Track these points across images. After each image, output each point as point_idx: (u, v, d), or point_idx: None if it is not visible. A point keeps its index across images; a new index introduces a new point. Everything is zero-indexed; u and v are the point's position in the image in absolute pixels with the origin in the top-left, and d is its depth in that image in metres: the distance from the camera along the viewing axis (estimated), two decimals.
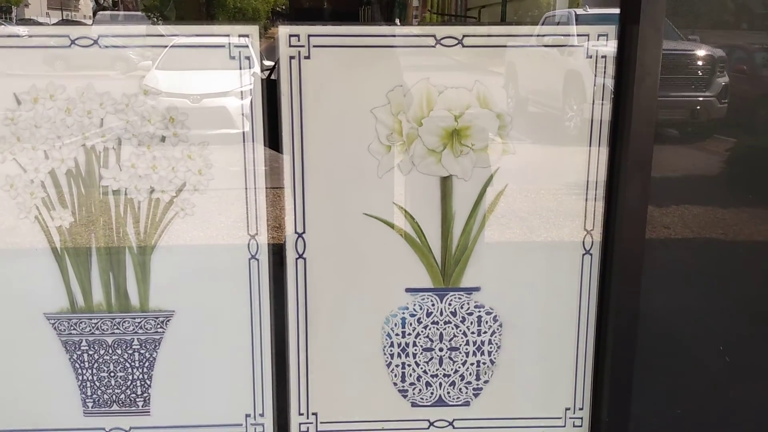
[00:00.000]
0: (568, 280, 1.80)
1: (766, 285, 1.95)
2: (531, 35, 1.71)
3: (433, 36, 1.67)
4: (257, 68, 1.67)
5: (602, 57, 1.68)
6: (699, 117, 2.01)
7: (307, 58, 1.66)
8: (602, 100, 1.71)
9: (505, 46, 1.70)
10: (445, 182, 1.75)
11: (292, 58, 1.66)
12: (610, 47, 1.67)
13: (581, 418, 1.89)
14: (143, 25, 1.73)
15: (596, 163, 1.74)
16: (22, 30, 1.72)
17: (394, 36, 1.70)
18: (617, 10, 1.66)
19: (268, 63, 1.79)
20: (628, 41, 1.63)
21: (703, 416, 1.98)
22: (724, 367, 1.97)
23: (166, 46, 1.68)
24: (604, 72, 1.69)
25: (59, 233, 1.73)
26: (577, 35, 1.68)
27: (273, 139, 1.72)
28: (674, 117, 1.90)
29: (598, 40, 1.67)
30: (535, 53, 1.73)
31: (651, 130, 1.64)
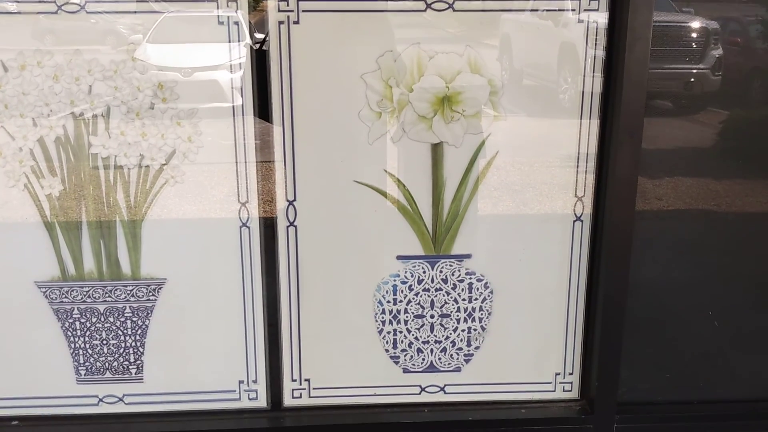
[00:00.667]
0: (559, 246, 1.81)
1: (757, 255, 1.96)
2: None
3: (424, 0, 1.65)
4: (247, 37, 1.66)
5: (594, 24, 1.67)
6: (693, 89, 2.00)
7: (296, 23, 1.64)
8: (593, 70, 1.70)
9: (496, 10, 1.69)
10: (436, 149, 1.75)
11: (281, 23, 1.64)
12: (601, 15, 1.66)
13: (571, 383, 1.92)
14: None
15: (587, 134, 1.74)
16: (9, 4, 1.69)
17: (384, 0, 1.68)
18: None
19: (260, 36, 1.76)
20: (619, 6, 1.62)
21: (690, 381, 2.00)
22: (712, 334, 1.99)
23: (154, 12, 1.66)
24: (596, 42, 1.68)
25: (49, 201, 1.72)
26: (570, 0, 1.67)
27: (264, 111, 1.71)
28: (668, 89, 1.90)
29: (589, 4, 1.66)
30: (525, 22, 1.71)
31: (642, 96, 1.64)
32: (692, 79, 1.97)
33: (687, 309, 1.99)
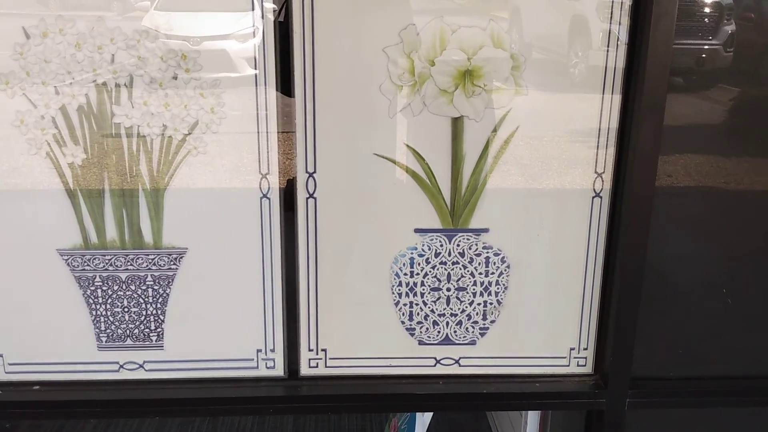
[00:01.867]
0: (577, 222, 1.82)
1: (766, 233, 1.97)
2: None
3: None
4: (270, 8, 1.65)
5: (619, 1, 1.66)
6: (704, 65, 1.99)
7: None
8: (617, 44, 1.69)
9: None
10: (456, 123, 1.75)
11: None
12: None
13: (585, 358, 1.94)
14: None
15: (608, 109, 1.73)
16: None
17: None
18: None
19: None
20: None
21: (703, 356, 2.02)
22: (724, 311, 2.00)
23: None
24: (620, 14, 1.67)
25: (71, 170, 1.73)
26: None
27: (285, 84, 1.71)
28: (679, 65, 1.88)
29: None
30: None
31: (666, 73, 1.63)
32: (704, 55, 1.95)
33: (700, 286, 2.00)
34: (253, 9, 1.65)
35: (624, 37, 1.68)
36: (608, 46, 1.70)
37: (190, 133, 1.71)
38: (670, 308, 1.99)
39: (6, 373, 1.87)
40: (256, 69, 1.68)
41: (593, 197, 1.81)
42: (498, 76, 1.71)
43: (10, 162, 1.73)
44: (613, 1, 1.67)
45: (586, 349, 1.93)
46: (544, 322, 1.91)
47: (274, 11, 1.68)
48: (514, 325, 1.91)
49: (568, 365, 1.95)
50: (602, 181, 1.79)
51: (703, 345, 2.03)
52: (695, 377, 2.01)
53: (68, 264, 1.80)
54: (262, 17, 1.66)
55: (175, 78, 1.67)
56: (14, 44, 1.65)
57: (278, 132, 1.74)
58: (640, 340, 1.88)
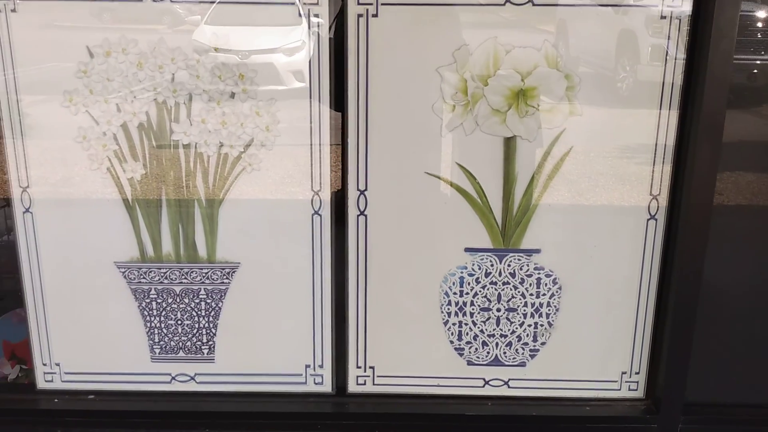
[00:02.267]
0: (631, 244, 1.80)
1: None
2: None
3: None
4: (325, 27, 1.68)
5: (676, 18, 1.64)
6: (756, 81, 1.94)
7: (375, 16, 1.66)
8: (675, 61, 1.67)
9: (577, 5, 1.67)
10: (509, 143, 1.75)
11: (360, 16, 1.65)
12: (685, 8, 1.63)
13: (636, 382, 1.90)
14: None
15: (665, 128, 1.71)
16: None
17: None
18: None
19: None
20: (704, 2, 1.59)
21: (760, 382, 1.96)
22: None
23: (234, 2, 1.69)
24: (678, 34, 1.65)
25: (130, 185, 1.78)
26: None
27: (339, 102, 1.73)
28: (731, 80, 1.85)
29: (673, 1, 1.63)
30: (604, 13, 1.69)
31: (724, 94, 1.61)
32: (755, 70, 1.92)
33: (755, 308, 1.95)
34: (308, 24, 1.67)
35: (675, 52, 1.66)
36: (665, 62, 1.67)
37: (245, 150, 1.75)
38: (724, 331, 1.94)
39: (63, 381, 1.92)
40: (308, 84, 1.71)
41: (648, 219, 1.78)
42: (552, 96, 1.70)
43: (73, 176, 1.78)
44: (668, 17, 1.64)
45: (638, 373, 1.90)
46: (595, 345, 1.89)
47: (320, 24, 1.69)
48: (565, 348, 1.89)
49: (620, 389, 1.91)
50: (657, 203, 1.76)
51: (760, 370, 1.97)
52: (752, 404, 1.96)
53: (125, 276, 1.85)
54: (318, 32, 1.68)
55: (233, 96, 1.71)
56: (78, 63, 1.70)
57: (330, 151, 1.76)
58: (694, 364, 1.84)
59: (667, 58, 1.67)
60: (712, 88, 1.61)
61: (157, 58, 1.69)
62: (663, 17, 1.65)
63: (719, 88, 1.62)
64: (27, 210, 1.81)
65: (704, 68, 1.60)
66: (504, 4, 1.65)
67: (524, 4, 1.64)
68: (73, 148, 1.76)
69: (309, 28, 1.68)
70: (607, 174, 1.78)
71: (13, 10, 1.68)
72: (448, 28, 1.68)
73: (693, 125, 1.66)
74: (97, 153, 1.76)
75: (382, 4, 1.65)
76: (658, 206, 1.77)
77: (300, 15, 1.67)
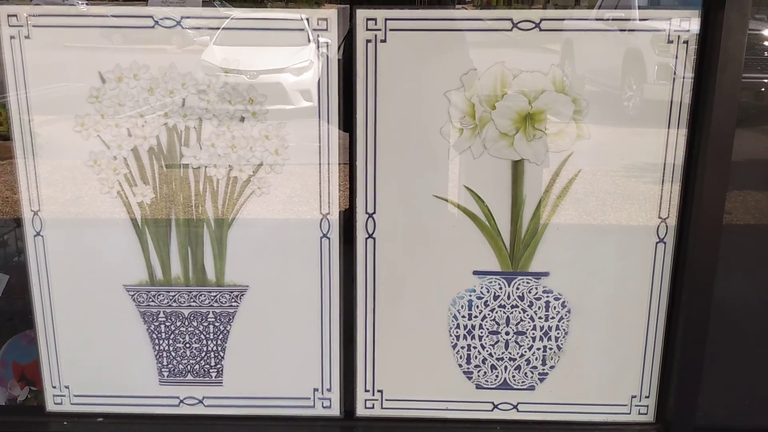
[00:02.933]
0: (639, 267, 1.79)
1: None
2: (611, 19, 1.69)
3: (510, 20, 1.66)
4: (334, 51, 1.69)
5: (684, 42, 1.65)
6: (763, 99, 1.95)
7: (383, 41, 1.67)
8: (682, 83, 1.68)
9: (583, 30, 1.68)
10: (517, 166, 1.75)
11: (368, 41, 1.67)
12: (692, 31, 1.64)
13: (647, 406, 1.89)
14: (219, 7, 1.76)
15: (673, 151, 1.71)
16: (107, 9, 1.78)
17: (470, 20, 1.69)
18: None
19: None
20: (712, 26, 1.60)
21: None
22: None
23: (244, 28, 1.72)
24: (685, 55, 1.66)
25: (140, 208, 1.79)
26: (660, 19, 1.65)
27: (347, 126, 1.74)
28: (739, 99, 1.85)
29: (680, 25, 1.64)
30: (610, 37, 1.70)
31: (733, 117, 1.61)
32: (763, 89, 1.92)
33: (759, 328, 1.94)
34: (317, 47, 1.69)
35: (683, 72, 1.66)
36: (672, 81, 1.68)
37: (254, 174, 1.76)
38: (735, 354, 1.93)
39: (72, 404, 1.93)
40: (317, 104, 1.72)
41: (657, 242, 1.77)
42: (560, 119, 1.71)
43: (84, 198, 1.80)
44: (675, 40, 1.65)
45: (647, 396, 1.88)
46: (605, 369, 1.87)
47: (329, 46, 1.71)
48: (575, 371, 1.87)
49: (629, 413, 1.90)
50: (666, 225, 1.76)
51: None
52: (764, 429, 1.93)
53: (134, 299, 1.85)
54: (327, 55, 1.69)
55: (242, 120, 1.72)
56: (90, 88, 1.72)
57: (339, 172, 1.77)
58: (705, 388, 1.82)
59: (675, 78, 1.68)
60: (721, 110, 1.61)
61: (168, 83, 1.71)
62: (670, 41, 1.66)
63: (728, 110, 1.62)
64: (38, 233, 1.82)
65: (713, 90, 1.60)
66: (511, 30, 1.66)
67: (531, 29, 1.66)
68: (83, 170, 1.77)
69: (318, 49, 1.69)
70: (616, 194, 1.78)
71: (27, 37, 1.70)
72: (456, 52, 1.70)
73: (702, 146, 1.66)
74: (107, 177, 1.78)
75: (390, 30, 1.67)
76: (666, 227, 1.76)
77: (309, 40, 1.68)
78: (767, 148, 1.88)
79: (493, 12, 1.70)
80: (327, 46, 1.69)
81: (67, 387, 1.92)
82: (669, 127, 1.70)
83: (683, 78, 1.67)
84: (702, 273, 1.71)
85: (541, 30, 1.66)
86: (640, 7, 1.97)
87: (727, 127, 1.60)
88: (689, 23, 1.63)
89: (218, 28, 1.69)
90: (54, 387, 1.92)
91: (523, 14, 1.66)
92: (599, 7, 2.05)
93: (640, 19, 1.68)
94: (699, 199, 1.67)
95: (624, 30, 1.69)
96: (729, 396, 1.94)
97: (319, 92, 1.72)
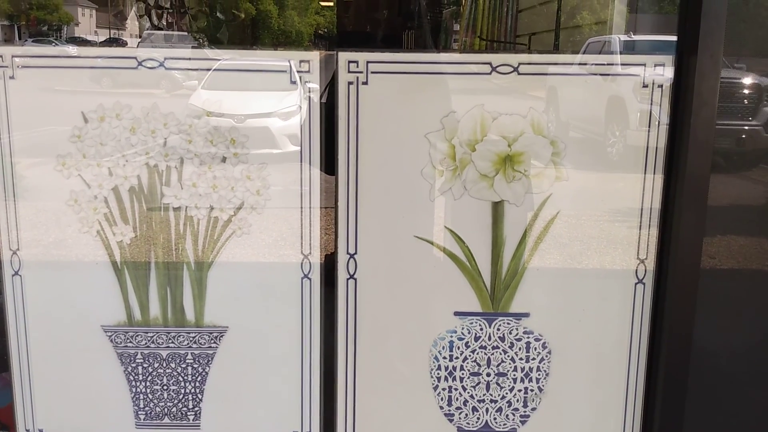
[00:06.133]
0: (619, 309, 1.80)
1: None
2: (586, 64, 1.73)
3: (489, 63, 1.69)
4: (316, 93, 1.72)
5: (658, 86, 1.69)
6: (745, 146, 1.99)
7: (365, 83, 1.70)
8: (657, 128, 1.71)
9: (560, 75, 1.72)
10: (497, 207, 1.77)
11: (350, 83, 1.69)
12: (666, 76, 1.68)
13: None
14: (204, 49, 1.79)
15: (651, 192, 1.74)
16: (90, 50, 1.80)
17: (450, 63, 1.73)
18: (667, 37, 1.67)
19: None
20: (686, 71, 1.64)
21: None
22: None
23: (226, 70, 1.74)
24: (660, 100, 1.70)
25: (119, 248, 1.78)
26: (634, 64, 1.69)
27: (329, 167, 1.76)
28: (720, 145, 1.89)
29: (654, 68, 1.68)
30: (589, 82, 1.74)
31: (707, 161, 1.64)
32: (744, 136, 1.96)
33: (747, 374, 1.94)
34: (300, 89, 1.71)
35: (663, 117, 1.70)
36: (648, 127, 1.71)
37: (235, 214, 1.76)
38: (716, 397, 1.93)
39: None
40: (300, 147, 1.73)
41: (636, 283, 1.79)
42: (538, 162, 1.73)
43: (64, 239, 1.79)
44: (650, 82, 1.69)
45: None
46: (586, 411, 1.86)
47: (311, 90, 1.73)
48: (556, 414, 1.86)
49: None
50: (645, 267, 1.78)
51: None
52: None
53: (112, 340, 1.83)
54: (309, 98, 1.72)
55: (224, 161, 1.73)
56: (73, 128, 1.73)
57: (321, 215, 1.78)
58: (687, 429, 1.81)
59: (651, 122, 1.71)
60: (695, 154, 1.64)
61: (150, 123, 1.72)
62: (645, 86, 1.69)
63: (702, 154, 1.65)
64: (16, 273, 1.80)
65: (687, 135, 1.64)
66: (490, 73, 1.70)
67: (510, 73, 1.69)
68: (64, 210, 1.77)
69: (301, 93, 1.72)
70: (596, 237, 1.80)
71: (12, 77, 1.71)
72: (436, 95, 1.72)
73: (678, 189, 1.68)
74: (87, 216, 1.77)
75: (372, 72, 1.69)
76: (645, 270, 1.78)
77: (292, 82, 1.71)
78: (750, 193, 1.91)
79: (472, 56, 1.73)
80: (309, 88, 1.71)
81: (40, 430, 1.88)
82: (645, 172, 1.73)
83: (658, 123, 1.70)
84: (681, 315, 1.72)
85: (519, 74, 1.69)
86: (610, 53, 2.02)
87: (701, 170, 1.63)
88: (663, 69, 1.67)
89: (199, 69, 1.71)
90: (27, 430, 1.88)
91: (502, 58, 1.69)
92: (583, 53, 2.10)
93: (617, 64, 1.73)
94: (676, 241, 1.68)
95: (600, 75, 1.73)
96: None
97: (301, 134, 1.74)
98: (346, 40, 2.95)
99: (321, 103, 1.74)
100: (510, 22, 2.94)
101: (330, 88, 1.73)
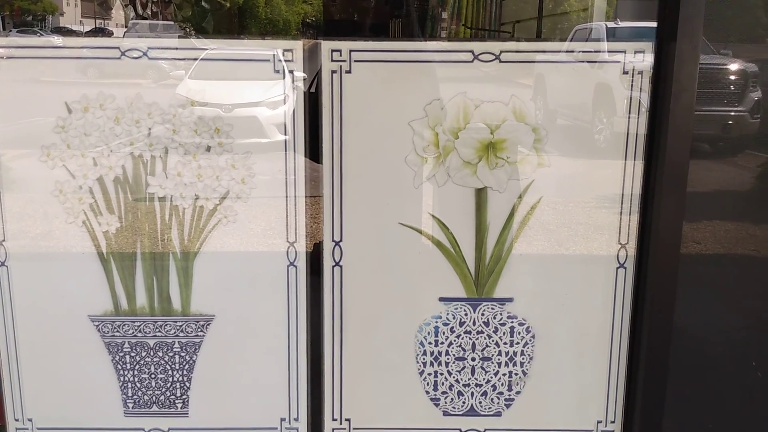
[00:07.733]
0: (601, 293, 1.82)
1: None
2: (569, 51, 1.74)
3: (471, 51, 1.70)
4: (300, 82, 1.72)
5: (638, 73, 1.70)
6: (731, 132, 2.01)
7: (348, 72, 1.71)
8: (638, 114, 1.73)
9: (542, 62, 1.73)
10: (480, 194, 1.78)
11: (333, 72, 1.70)
12: (646, 63, 1.69)
13: (612, 431, 1.90)
14: (189, 38, 1.79)
15: (631, 177, 1.76)
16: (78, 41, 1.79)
17: (433, 51, 1.73)
18: (651, 24, 1.68)
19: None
20: (665, 58, 1.65)
21: (734, 431, 1.97)
22: (756, 383, 1.97)
23: (211, 59, 1.74)
24: (640, 87, 1.72)
25: (105, 238, 1.79)
26: (615, 51, 1.71)
27: (314, 155, 1.76)
28: (706, 132, 1.91)
29: (634, 55, 1.69)
30: (572, 69, 1.76)
31: (687, 146, 1.66)
32: (730, 122, 1.97)
33: (730, 357, 1.97)
34: (283, 78, 1.72)
35: (638, 103, 1.72)
36: (628, 113, 1.73)
37: (220, 203, 1.77)
38: (700, 380, 1.96)
39: None
40: (285, 136, 1.74)
41: (617, 267, 1.81)
42: (521, 148, 1.75)
43: (50, 229, 1.79)
44: (630, 69, 1.71)
45: (613, 422, 1.90)
46: (570, 394, 1.89)
47: (304, 80, 1.74)
48: (540, 397, 1.89)
49: None
50: (626, 251, 1.80)
51: (734, 419, 1.98)
52: None
53: (99, 330, 1.84)
54: (293, 86, 1.72)
55: (209, 150, 1.74)
56: (57, 118, 1.73)
57: (306, 197, 1.79)
58: (669, 412, 1.84)
59: (631, 109, 1.73)
60: (675, 140, 1.66)
61: (134, 113, 1.72)
62: (626, 72, 1.71)
63: (682, 140, 1.67)
64: (2, 264, 1.80)
65: (666, 121, 1.65)
66: (472, 61, 1.71)
67: (491, 60, 1.70)
68: (49, 201, 1.77)
69: (286, 82, 1.72)
70: (580, 223, 1.82)
71: None
72: (420, 83, 1.73)
73: (658, 175, 1.70)
74: (73, 206, 1.78)
75: (355, 61, 1.70)
76: (626, 255, 1.80)
77: (276, 71, 1.71)
78: (736, 179, 1.93)
79: (454, 44, 1.74)
80: (294, 77, 1.72)
81: (30, 420, 1.89)
82: (626, 158, 1.75)
83: (638, 109, 1.72)
84: (662, 299, 1.74)
85: (501, 62, 1.70)
86: (597, 40, 2.03)
87: (681, 156, 1.65)
88: (643, 56, 1.69)
89: (184, 59, 1.71)
90: (17, 420, 1.89)
91: (484, 46, 1.70)
92: (570, 40, 2.11)
93: (597, 51, 1.74)
94: (656, 226, 1.71)
95: (580, 62, 1.74)
96: (693, 421, 1.96)
97: (285, 123, 1.74)
98: (333, 28, 2.95)
99: (307, 92, 1.75)
100: (495, 9, 2.94)
101: (318, 78, 1.74)
